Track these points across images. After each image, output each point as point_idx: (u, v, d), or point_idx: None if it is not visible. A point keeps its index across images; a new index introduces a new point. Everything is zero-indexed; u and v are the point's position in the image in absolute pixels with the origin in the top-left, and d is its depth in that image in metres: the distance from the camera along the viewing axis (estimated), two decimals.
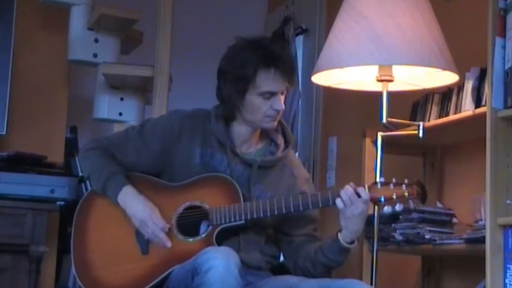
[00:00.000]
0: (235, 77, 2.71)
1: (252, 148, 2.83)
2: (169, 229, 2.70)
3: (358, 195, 2.61)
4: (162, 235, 2.68)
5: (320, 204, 2.68)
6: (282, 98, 2.75)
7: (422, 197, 2.67)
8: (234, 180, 2.72)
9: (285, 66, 2.72)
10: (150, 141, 2.80)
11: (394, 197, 2.64)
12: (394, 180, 2.66)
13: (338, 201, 2.62)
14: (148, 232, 2.69)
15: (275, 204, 2.67)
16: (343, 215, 2.63)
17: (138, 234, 2.73)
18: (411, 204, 2.70)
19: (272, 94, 2.71)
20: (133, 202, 2.72)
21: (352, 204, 2.61)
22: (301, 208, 2.68)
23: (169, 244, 2.68)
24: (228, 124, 2.79)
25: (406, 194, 2.64)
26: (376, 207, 3.17)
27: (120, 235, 2.75)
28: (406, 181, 2.66)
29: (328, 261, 2.72)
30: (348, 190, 2.62)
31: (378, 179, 2.75)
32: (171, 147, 2.78)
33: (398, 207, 2.65)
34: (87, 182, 4.30)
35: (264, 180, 2.78)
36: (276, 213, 2.67)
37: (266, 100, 2.71)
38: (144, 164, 2.81)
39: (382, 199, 2.65)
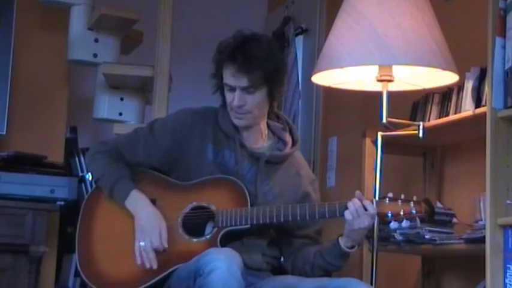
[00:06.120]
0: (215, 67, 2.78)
1: (259, 144, 2.83)
2: (174, 228, 2.70)
3: (365, 209, 2.62)
4: (150, 255, 2.67)
5: (327, 215, 2.68)
6: (253, 97, 2.70)
7: (430, 215, 2.66)
8: (242, 183, 2.72)
9: (244, 62, 2.67)
10: (160, 137, 2.80)
11: (402, 213, 2.64)
12: (402, 196, 2.66)
13: (346, 213, 2.62)
14: (140, 244, 2.68)
15: (282, 212, 2.67)
16: (349, 226, 2.64)
17: None
18: (418, 222, 2.69)
19: (231, 87, 2.72)
20: (141, 210, 2.73)
21: (358, 217, 2.61)
22: (307, 217, 2.68)
23: (151, 266, 2.66)
24: None
25: (414, 211, 2.64)
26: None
27: (126, 230, 2.74)
28: (414, 198, 2.66)
29: (327, 265, 2.72)
30: (355, 203, 2.62)
31: (387, 194, 2.70)
32: (183, 142, 2.78)
33: (404, 223, 2.65)
34: (87, 183, 4.31)
35: (271, 177, 2.78)
36: (282, 220, 2.67)
37: (229, 92, 2.74)
38: (155, 160, 2.81)
39: (390, 215, 2.65)
